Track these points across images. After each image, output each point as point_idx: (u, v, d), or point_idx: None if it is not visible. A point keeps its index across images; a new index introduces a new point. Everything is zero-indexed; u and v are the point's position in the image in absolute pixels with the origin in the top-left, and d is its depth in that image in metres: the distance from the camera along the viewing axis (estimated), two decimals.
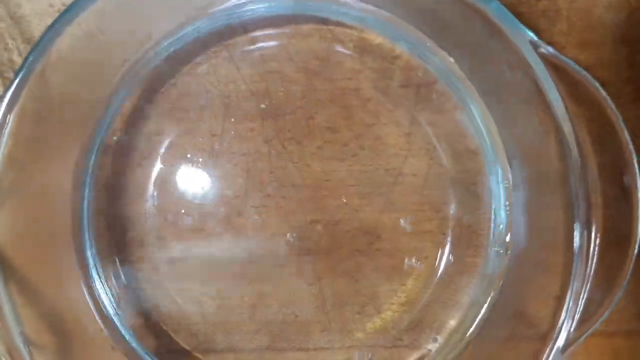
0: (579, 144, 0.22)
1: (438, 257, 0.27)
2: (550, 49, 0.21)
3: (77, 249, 0.26)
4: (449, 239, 0.27)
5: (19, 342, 0.23)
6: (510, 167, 0.26)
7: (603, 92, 0.21)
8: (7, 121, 0.23)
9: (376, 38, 0.26)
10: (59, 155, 0.26)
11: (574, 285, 0.23)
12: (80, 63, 0.25)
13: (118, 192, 0.27)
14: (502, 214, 0.27)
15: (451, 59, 0.25)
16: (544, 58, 0.21)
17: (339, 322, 0.27)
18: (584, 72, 0.21)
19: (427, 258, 0.27)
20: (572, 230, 0.23)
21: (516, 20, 0.21)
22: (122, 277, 0.27)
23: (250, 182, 0.27)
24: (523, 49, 0.21)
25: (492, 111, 0.26)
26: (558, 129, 0.22)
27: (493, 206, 0.27)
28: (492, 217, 0.27)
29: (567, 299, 0.22)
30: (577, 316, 0.23)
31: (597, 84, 0.21)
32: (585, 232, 0.23)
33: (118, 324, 0.27)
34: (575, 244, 0.23)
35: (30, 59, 0.23)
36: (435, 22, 0.24)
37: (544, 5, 0.27)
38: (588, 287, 0.23)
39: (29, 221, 0.25)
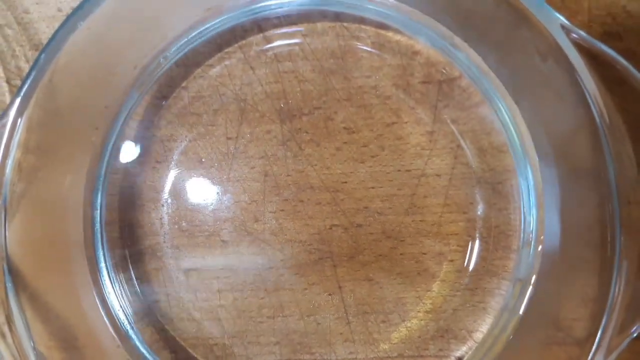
0: (615, 138, 0.21)
1: (465, 261, 0.26)
2: (583, 34, 0.20)
3: (90, 260, 0.25)
4: (476, 241, 0.26)
5: (31, 358, 0.22)
6: (540, 163, 0.25)
7: None
8: (17, 129, 0.22)
9: (395, 33, 0.25)
10: (70, 162, 0.25)
11: (616, 287, 0.21)
12: (89, 68, 0.24)
13: (131, 200, 0.26)
14: (533, 213, 0.25)
15: (475, 52, 0.23)
16: (576, 44, 0.20)
17: (362, 331, 0.26)
18: (622, 59, 0.19)
19: (453, 262, 0.26)
20: (609, 229, 0.22)
21: (546, 4, 0.20)
22: (137, 288, 0.26)
23: (267, 186, 0.26)
24: (555, 35, 0.20)
25: (520, 105, 0.24)
26: (592, 121, 0.21)
27: (523, 205, 0.26)
28: (522, 217, 0.25)
29: (609, 302, 0.21)
30: (617, 318, 0.22)
31: (637, 72, 0.19)
32: (624, 230, 0.21)
33: (134, 338, 0.26)
34: (616, 244, 0.21)
35: (38, 65, 0.22)
36: (458, 14, 0.23)
37: None
38: (629, 289, 0.22)
39: (41, 231, 0.24)
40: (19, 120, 0.22)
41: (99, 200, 0.26)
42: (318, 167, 0.26)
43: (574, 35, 0.20)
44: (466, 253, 0.26)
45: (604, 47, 0.19)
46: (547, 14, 0.20)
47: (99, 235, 0.26)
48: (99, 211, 0.26)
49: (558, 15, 0.20)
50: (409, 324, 0.26)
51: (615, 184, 0.21)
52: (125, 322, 0.26)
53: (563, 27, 0.20)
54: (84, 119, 0.25)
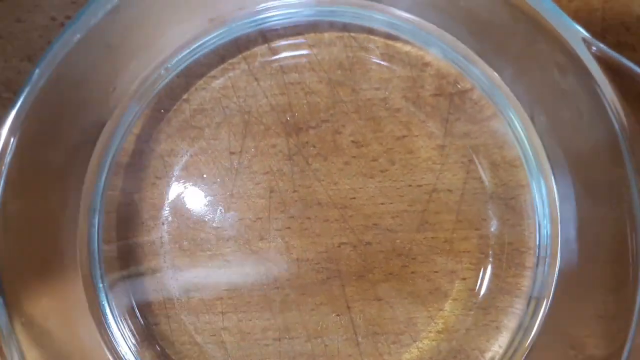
0: (634, 152, 0.20)
1: (479, 279, 0.25)
2: (604, 47, 0.19)
3: (86, 281, 0.24)
4: (489, 258, 0.25)
5: None
6: (555, 178, 0.24)
7: None
8: (10, 145, 0.21)
9: (404, 44, 0.25)
10: (66, 179, 0.24)
11: (635, 305, 0.21)
12: (86, 81, 0.23)
13: (129, 217, 0.25)
14: (548, 229, 0.25)
15: (490, 66, 0.23)
16: (597, 57, 0.19)
17: (372, 353, 0.25)
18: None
19: (465, 280, 0.25)
20: (629, 245, 0.21)
21: (567, 17, 0.19)
22: (136, 311, 0.25)
23: (273, 202, 0.25)
24: (576, 48, 0.19)
25: (536, 119, 0.24)
26: (613, 136, 0.20)
27: (537, 222, 0.25)
28: (537, 233, 0.25)
29: (634, 320, 0.20)
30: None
31: None
32: None
33: None
34: (638, 260, 0.20)
35: (32, 77, 0.21)
36: (474, 26, 0.22)
37: (576, 6, 0.25)
38: None
39: (35, 251, 0.23)
40: (12, 138, 0.21)
41: (96, 219, 0.25)
42: (325, 182, 0.25)
43: (594, 48, 0.19)
44: (479, 271, 0.25)
45: (626, 61, 0.19)
46: (567, 27, 0.19)
47: (95, 255, 0.25)
48: (96, 229, 0.25)
49: (579, 28, 0.20)
50: (420, 345, 0.25)
51: (637, 199, 0.21)
52: (124, 347, 0.25)
53: (585, 40, 0.19)
54: (81, 133, 0.24)
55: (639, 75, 0.19)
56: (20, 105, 0.21)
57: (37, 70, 0.21)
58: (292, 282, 0.25)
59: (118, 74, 0.24)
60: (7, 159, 0.21)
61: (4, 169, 0.21)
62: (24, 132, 0.21)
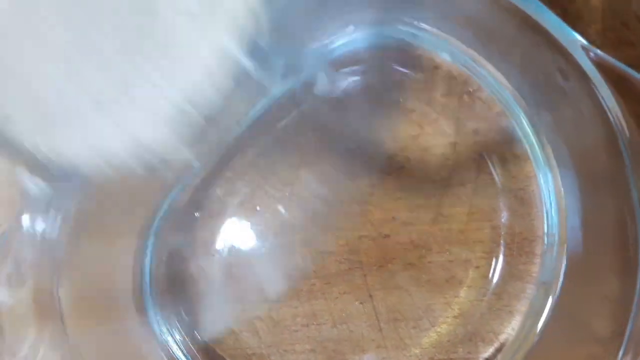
0: (634, 151, 0.22)
1: (492, 267, 0.27)
2: (601, 53, 0.21)
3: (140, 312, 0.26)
4: (501, 247, 0.27)
5: None
6: (560, 172, 0.26)
7: None
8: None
9: (417, 50, 0.26)
10: (123, 220, 0.26)
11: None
12: None
13: (182, 250, 0.27)
14: (555, 218, 0.26)
15: (496, 69, 0.24)
16: (596, 63, 0.21)
17: (394, 337, 0.27)
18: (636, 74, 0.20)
19: (479, 268, 0.27)
20: (629, 232, 0.23)
21: (567, 27, 0.21)
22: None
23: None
24: (576, 55, 0.21)
25: (540, 116, 0.25)
26: (612, 136, 0.22)
27: (545, 211, 0.26)
28: (545, 222, 0.26)
29: (635, 301, 0.22)
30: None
31: None
32: None
33: None
34: (638, 246, 0.22)
35: None
36: (480, 33, 0.24)
37: (577, 6, 0.26)
38: None
39: (91, 287, 0.25)
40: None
41: (148, 258, 0.27)
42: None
43: (592, 54, 0.21)
44: (492, 259, 0.27)
45: (621, 65, 0.20)
46: (567, 36, 0.21)
47: (149, 293, 0.27)
48: (148, 267, 0.27)
49: (578, 36, 0.21)
50: (438, 329, 0.27)
51: (634, 190, 0.22)
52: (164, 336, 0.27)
53: (583, 47, 0.21)
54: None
55: (632, 77, 0.21)
56: None
57: None
58: (317, 273, 0.27)
59: None
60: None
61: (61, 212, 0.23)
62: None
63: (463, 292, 0.27)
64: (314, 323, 0.27)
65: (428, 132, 0.27)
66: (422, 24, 0.25)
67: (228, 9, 0.17)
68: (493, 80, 0.25)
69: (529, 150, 0.26)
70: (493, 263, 0.27)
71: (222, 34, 0.17)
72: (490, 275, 0.27)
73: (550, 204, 0.26)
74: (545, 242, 0.27)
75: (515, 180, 0.27)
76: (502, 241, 0.27)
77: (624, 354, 0.22)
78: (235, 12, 0.17)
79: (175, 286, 0.27)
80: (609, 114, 0.21)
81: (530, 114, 0.25)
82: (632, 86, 0.21)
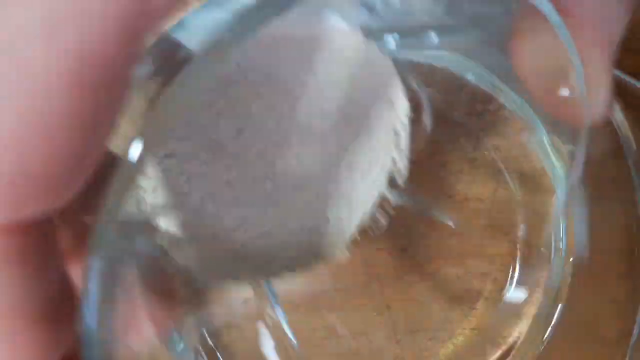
0: (636, 156, 0.22)
1: (508, 279, 0.27)
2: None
3: None
4: (517, 261, 0.27)
5: None
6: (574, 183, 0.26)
7: None
8: None
9: (441, 71, 0.26)
10: None
11: None
12: None
13: None
14: (564, 226, 0.27)
15: (514, 92, 0.25)
16: None
17: (411, 348, 0.28)
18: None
19: (496, 280, 0.27)
20: (635, 238, 0.23)
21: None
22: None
23: None
24: None
25: (558, 133, 0.25)
26: (615, 141, 0.22)
27: (558, 222, 0.27)
28: (554, 231, 0.27)
29: None
30: None
31: None
32: None
33: None
34: None
35: None
36: (499, 57, 0.24)
37: None
38: None
39: None
40: None
41: None
42: None
43: None
44: (508, 272, 0.27)
45: (624, 76, 0.21)
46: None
47: None
48: None
49: None
50: (455, 340, 0.28)
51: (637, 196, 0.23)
52: None
53: None
54: None
55: (633, 86, 0.21)
56: None
57: None
58: (335, 286, 0.28)
59: None
60: None
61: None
62: None
63: (480, 304, 0.27)
64: (333, 335, 0.28)
65: (446, 148, 0.27)
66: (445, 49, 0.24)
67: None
68: (514, 101, 0.25)
69: (548, 166, 0.26)
70: (509, 276, 0.27)
71: None
72: (507, 287, 0.27)
73: (562, 213, 0.27)
74: (554, 249, 0.27)
75: (534, 194, 0.27)
76: (518, 254, 0.27)
77: (631, 357, 0.22)
78: None
79: None
80: (614, 123, 0.22)
81: (550, 131, 0.25)
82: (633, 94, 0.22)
